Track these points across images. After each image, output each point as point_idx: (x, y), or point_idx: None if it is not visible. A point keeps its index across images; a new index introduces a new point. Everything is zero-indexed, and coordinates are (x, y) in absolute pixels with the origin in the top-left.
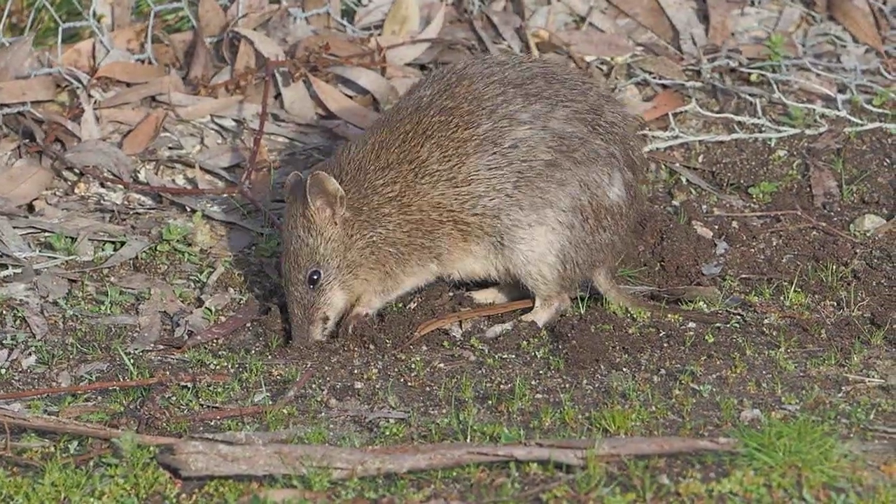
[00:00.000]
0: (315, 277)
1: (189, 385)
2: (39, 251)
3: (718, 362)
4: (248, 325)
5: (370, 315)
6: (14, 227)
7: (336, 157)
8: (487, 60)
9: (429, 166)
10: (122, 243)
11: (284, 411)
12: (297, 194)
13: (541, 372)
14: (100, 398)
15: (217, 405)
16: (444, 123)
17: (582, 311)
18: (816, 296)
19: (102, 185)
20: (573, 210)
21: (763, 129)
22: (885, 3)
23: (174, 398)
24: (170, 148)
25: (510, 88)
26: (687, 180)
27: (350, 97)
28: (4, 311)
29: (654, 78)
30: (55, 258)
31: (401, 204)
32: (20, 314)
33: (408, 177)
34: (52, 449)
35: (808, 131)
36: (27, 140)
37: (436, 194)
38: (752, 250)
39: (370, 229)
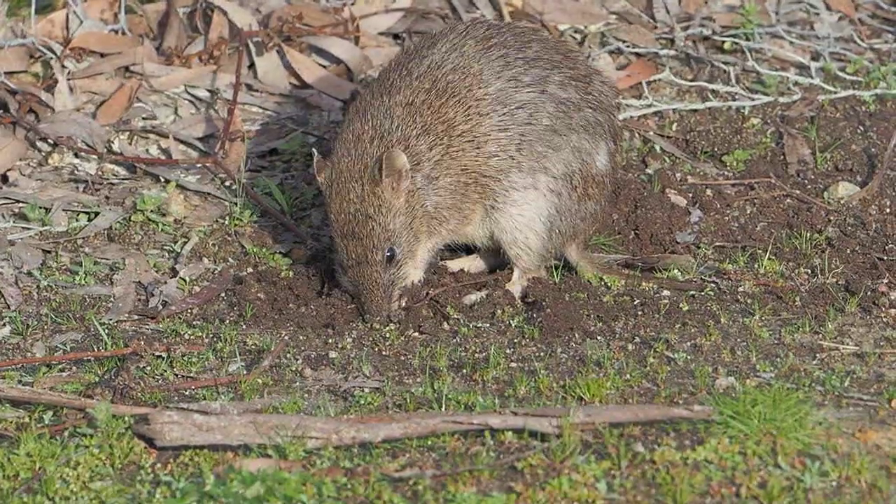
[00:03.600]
0: (390, 255)
1: (163, 355)
2: (13, 222)
3: (693, 330)
4: (223, 294)
5: (421, 279)
6: None
7: (365, 125)
8: (484, 23)
9: (457, 126)
10: (96, 214)
11: (259, 381)
12: (355, 175)
13: (515, 340)
14: (74, 368)
15: (192, 375)
16: (460, 81)
17: (557, 280)
18: (790, 263)
19: (76, 156)
20: (564, 177)
21: (737, 97)
22: None
23: (149, 368)
24: (143, 118)
25: (511, 51)
26: (661, 148)
27: (324, 67)
28: None
29: (628, 46)
30: (29, 229)
31: (444, 168)
32: None
33: (444, 139)
34: (27, 419)
35: (781, 99)
36: (0, 111)
37: (463, 157)
38: (727, 218)
39: (424, 196)
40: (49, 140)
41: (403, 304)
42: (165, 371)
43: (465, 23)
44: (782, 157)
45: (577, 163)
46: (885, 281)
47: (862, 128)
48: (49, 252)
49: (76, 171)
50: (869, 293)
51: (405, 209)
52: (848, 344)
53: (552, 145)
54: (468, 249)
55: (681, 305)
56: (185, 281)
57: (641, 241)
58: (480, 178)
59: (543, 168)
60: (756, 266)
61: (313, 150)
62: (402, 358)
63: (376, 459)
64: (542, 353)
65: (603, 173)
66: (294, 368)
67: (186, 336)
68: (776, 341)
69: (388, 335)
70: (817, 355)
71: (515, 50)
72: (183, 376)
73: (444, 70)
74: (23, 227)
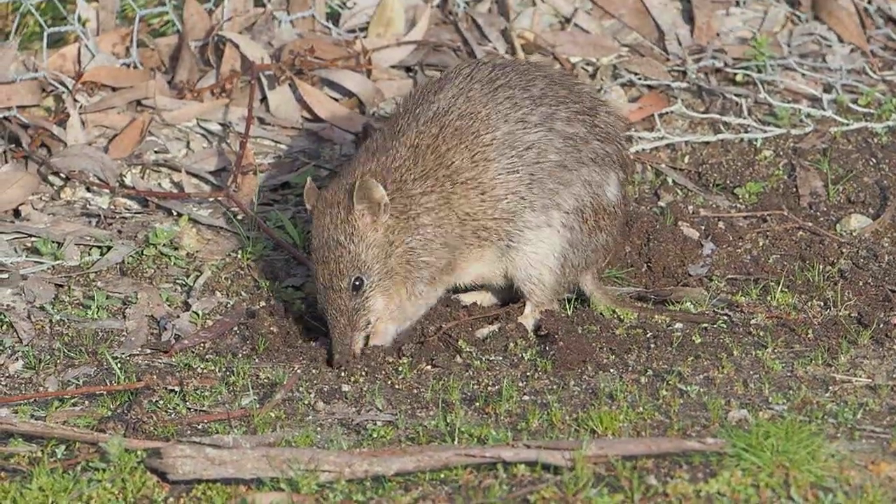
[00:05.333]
0: (358, 284)
1: (176, 389)
2: (26, 256)
3: (706, 363)
4: (235, 328)
5: (387, 346)
6: (0, 233)
7: (365, 164)
8: (488, 64)
9: (461, 173)
10: (109, 248)
11: (272, 414)
12: (334, 201)
13: (528, 373)
14: (87, 402)
15: (204, 409)
16: (467, 128)
17: (569, 313)
18: (803, 296)
19: (88, 190)
20: (575, 211)
21: (749, 129)
22: (870, 3)
23: (161, 402)
24: (156, 152)
25: (517, 91)
26: (673, 181)
27: (336, 100)
28: None
29: (640, 79)
30: (42, 263)
31: (437, 217)
32: (7, 319)
33: (445, 185)
34: (40, 454)
35: (793, 131)
36: (13, 145)
37: (465, 204)
38: (739, 251)
39: (409, 236)
40: (61, 174)
41: (389, 342)
42: (178, 405)
43: (471, 64)
44: (795, 189)
45: (588, 196)
46: None
47: (874, 160)
48: (61, 286)
49: (88, 206)
50: (881, 325)
51: (381, 243)
52: (860, 376)
53: (562, 181)
54: (483, 286)
55: (693, 338)
56: (197, 315)
57: (654, 274)
58: (488, 222)
59: (556, 204)
60: (768, 298)
61: (307, 178)
62: (415, 391)
63: (389, 493)
64: (554, 386)
65: (614, 203)
66: (307, 402)
67: (199, 370)
68: (789, 374)
69: (400, 368)
70: (830, 388)
71: (521, 90)
72: (196, 410)
73: (451, 116)
74: (35, 262)
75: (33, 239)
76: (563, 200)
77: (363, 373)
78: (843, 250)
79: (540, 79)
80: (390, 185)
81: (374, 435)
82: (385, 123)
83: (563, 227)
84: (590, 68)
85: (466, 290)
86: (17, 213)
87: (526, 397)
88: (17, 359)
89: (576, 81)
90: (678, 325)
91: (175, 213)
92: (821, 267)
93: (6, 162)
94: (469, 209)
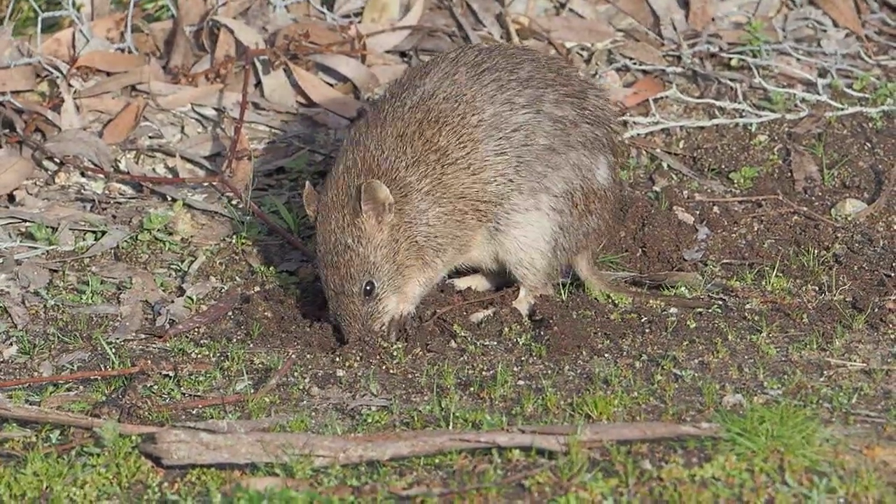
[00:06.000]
0: (369, 288)
1: (171, 374)
2: (20, 241)
3: (700, 347)
4: (230, 313)
5: (411, 313)
6: None
7: (356, 156)
8: (475, 48)
9: (450, 154)
10: (103, 233)
11: (266, 399)
12: (338, 204)
13: (523, 358)
14: (81, 387)
15: (199, 394)
16: (452, 110)
17: (564, 297)
18: (798, 280)
19: (83, 175)
20: (565, 195)
21: (744, 114)
22: None
23: (156, 387)
24: (150, 137)
25: (503, 74)
26: (668, 166)
27: (330, 85)
28: None
29: (635, 64)
30: (36, 248)
31: (436, 197)
32: (1, 304)
33: (436, 168)
34: (34, 439)
35: (788, 116)
36: (7, 130)
37: (458, 184)
38: (734, 235)
39: (413, 228)
40: (55, 159)
41: (393, 338)
42: (172, 390)
43: (457, 49)
44: (789, 174)
45: (578, 179)
46: (893, 298)
47: (869, 144)
48: (56, 271)
49: (83, 191)
50: (876, 310)
51: (388, 242)
52: (855, 361)
53: (551, 164)
54: (475, 269)
55: (688, 323)
56: (192, 300)
57: (649, 259)
58: (479, 205)
59: (544, 188)
60: (763, 283)
61: (306, 182)
62: (410, 376)
63: (384, 478)
64: (549, 371)
65: (604, 187)
66: (301, 387)
67: (193, 355)
68: (783, 358)
69: (395, 353)
70: (825, 372)
71: (507, 72)
72: (190, 395)
73: (436, 99)
74: (29, 247)
75: (27, 224)
76: (551, 184)
77: (357, 358)
78: (838, 235)
79: (527, 62)
80: (383, 178)
81: (369, 420)
82: (371, 110)
83: (552, 211)
84: (585, 53)
85: (461, 274)
86: (11, 198)
87: (521, 382)
88: (11, 344)
89: (564, 65)
90: (673, 310)
91: (169, 198)
92: (815, 251)
93: (0, 147)
94: (462, 189)
